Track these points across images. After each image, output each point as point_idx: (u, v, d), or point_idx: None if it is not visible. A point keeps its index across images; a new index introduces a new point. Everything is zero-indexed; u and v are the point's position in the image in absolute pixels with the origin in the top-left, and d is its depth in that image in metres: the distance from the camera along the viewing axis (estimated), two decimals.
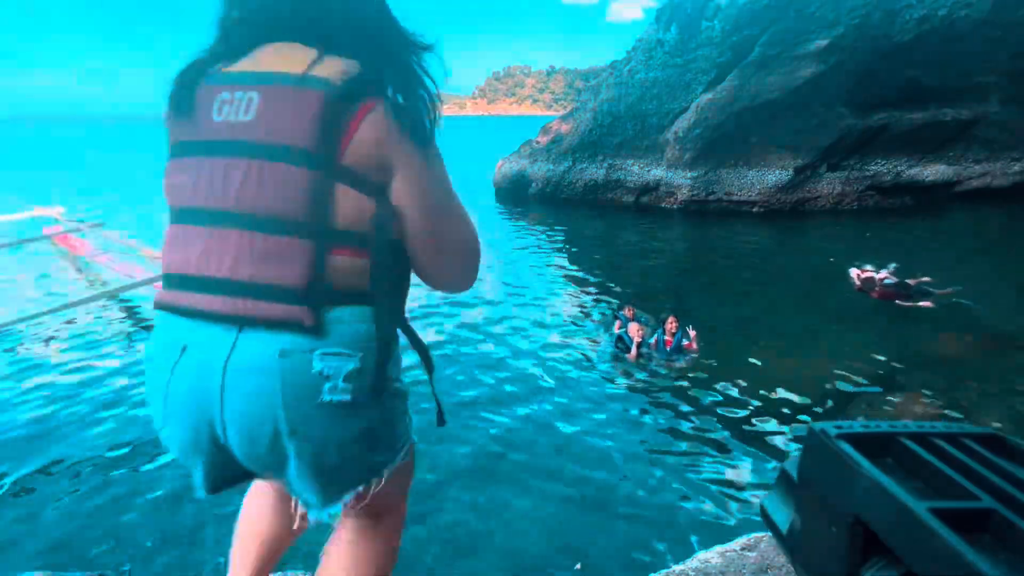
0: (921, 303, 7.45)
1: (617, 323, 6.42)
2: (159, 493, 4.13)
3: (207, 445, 0.87)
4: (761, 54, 13.41)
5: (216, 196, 0.84)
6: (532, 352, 6.13)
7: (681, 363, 5.97)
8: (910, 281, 7.68)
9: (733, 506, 3.92)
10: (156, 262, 7.53)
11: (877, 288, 7.64)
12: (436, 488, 4.08)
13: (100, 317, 7.66)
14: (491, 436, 4.68)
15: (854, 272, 7.90)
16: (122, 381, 5.86)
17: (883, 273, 7.72)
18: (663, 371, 5.87)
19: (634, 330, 6.05)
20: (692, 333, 6.11)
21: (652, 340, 6.10)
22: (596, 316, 7.51)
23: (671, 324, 6.12)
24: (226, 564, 1.31)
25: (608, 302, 8.11)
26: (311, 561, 3.59)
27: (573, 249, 11.75)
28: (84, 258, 10.03)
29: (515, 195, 18.36)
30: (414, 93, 0.91)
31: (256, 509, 1.29)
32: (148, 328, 7.34)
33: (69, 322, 7.36)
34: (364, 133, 0.83)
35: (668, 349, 6.02)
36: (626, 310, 6.59)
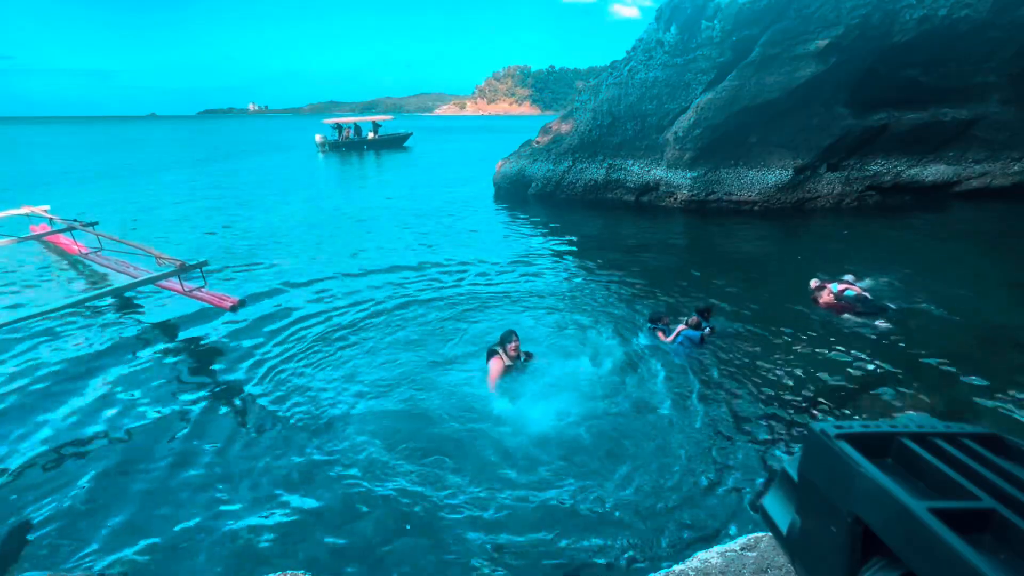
0: (875, 320, 7.05)
1: (660, 333, 6.55)
2: (160, 494, 4.13)
3: None
4: (761, 54, 13.40)
5: None
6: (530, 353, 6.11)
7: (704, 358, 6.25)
8: (866, 294, 7.42)
9: (733, 506, 3.92)
10: (153, 260, 7.50)
11: (822, 299, 7.36)
12: (433, 489, 4.08)
13: (98, 315, 7.66)
14: (489, 436, 4.68)
15: (813, 283, 7.69)
16: (121, 382, 5.86)
17: (843, 284, 7.45)
18: (664, 370, 5.87)
19: (695, 322, 6.45)
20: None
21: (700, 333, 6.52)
22: (593, 315, 7.50)
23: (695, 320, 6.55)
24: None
25: (606, 300, 8.11)
26: (311, 561, 3.59)
27: (574, 249, 11.74)
28: (79, 257, 10.02)
29: (515, 195, 18.36)
30: None
31: None
32: (149, 326, 7.34)
33: (67, 321, 7.36)
34: None
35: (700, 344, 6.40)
36: (663, 319, 6.67)
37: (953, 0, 12.11)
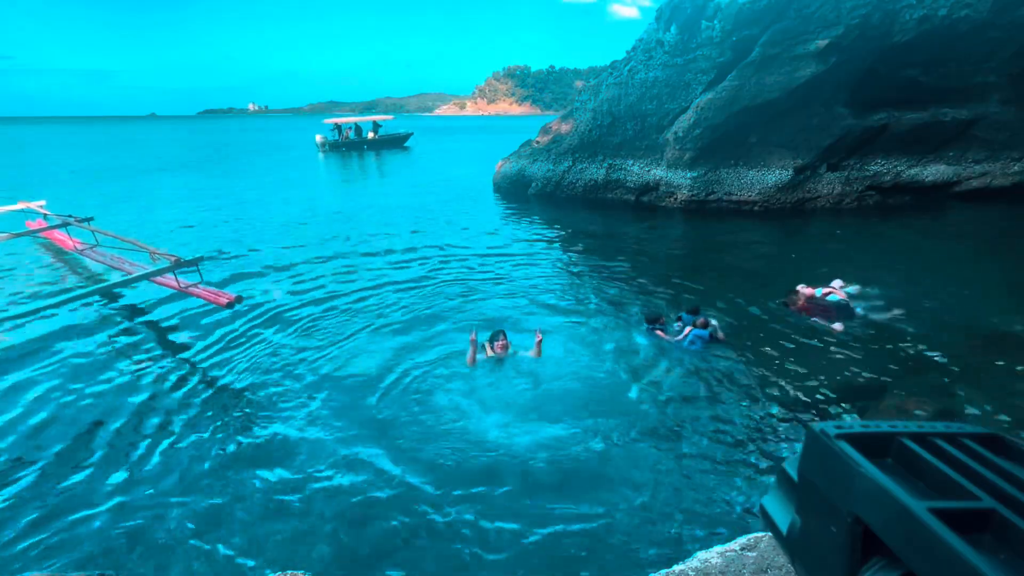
0: (835, 324, 6.93)
1: (660, 332, 6.55)
2: (156, 495, 4.13)
3: None
4: (761, 54, 13.39)
5: None
6: (528, 354, 6.12)
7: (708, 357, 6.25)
8: (848, 301, 7.27)
9: (733, 506, 3.92)
10: (148, 256, 7.49)
11: (799, 303, 7.24)
12: (432, 492, 4.08)
13: (92, 311, 7.66)
14: (486, 438, 4.68)
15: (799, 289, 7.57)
16: (116, 379, 5.85)
17: (827, 289, 7.34)
18: (664, 370, 5.87)
19: (703, 323, 6.44)
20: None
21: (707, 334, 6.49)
22: (592, 314, 7.50)
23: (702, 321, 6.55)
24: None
25: (606, 299, 8.10)
26: (311, 561, 3.58)
27: (573, 248, 11.73)
28: (74, 253, 10.00)
29: (515, 195, 18.36)
30: None
31: None
32: (144, 322, 7.33)
33: (61, 317, 7.36)
34: None
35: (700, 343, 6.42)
36: (659, 319, 6.75)
37: (953, 0, 12.11)
